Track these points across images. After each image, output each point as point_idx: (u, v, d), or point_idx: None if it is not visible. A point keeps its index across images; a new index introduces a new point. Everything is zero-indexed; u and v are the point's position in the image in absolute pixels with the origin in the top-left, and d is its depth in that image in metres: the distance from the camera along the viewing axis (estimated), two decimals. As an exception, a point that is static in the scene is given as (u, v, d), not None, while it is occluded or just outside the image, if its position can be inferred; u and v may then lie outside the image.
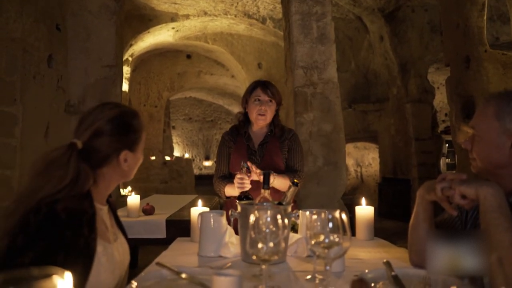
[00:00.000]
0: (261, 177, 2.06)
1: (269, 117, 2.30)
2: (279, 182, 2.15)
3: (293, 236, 1.57)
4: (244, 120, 2.38)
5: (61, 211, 1.10)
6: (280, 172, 2.22)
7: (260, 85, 2.31)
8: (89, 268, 1.13)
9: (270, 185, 2.11)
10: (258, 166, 2.16)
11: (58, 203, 1.11)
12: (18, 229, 1.08)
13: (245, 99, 2.34)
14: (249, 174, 2.06)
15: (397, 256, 1.52)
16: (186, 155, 15.07)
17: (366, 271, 1.22)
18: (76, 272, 1.09)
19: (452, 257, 0.55)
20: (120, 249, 1.31)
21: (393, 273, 1.17)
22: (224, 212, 1.66)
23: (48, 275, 0.45)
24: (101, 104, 1.30)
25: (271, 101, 2.28)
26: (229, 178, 2.29)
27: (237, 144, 2.35)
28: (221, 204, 3.75)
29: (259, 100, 2.28)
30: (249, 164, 2.07)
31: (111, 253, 1.23)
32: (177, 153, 14.35)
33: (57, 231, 1.09)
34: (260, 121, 2.29)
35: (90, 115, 1.26)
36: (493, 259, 0.60)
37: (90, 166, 1.20)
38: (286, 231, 1.07)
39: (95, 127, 1.23)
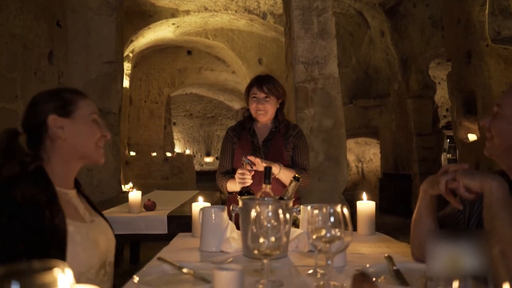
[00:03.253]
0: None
1: (269, 112, 2.29)
2: (285, 175, 2.14)
3: (295, 231, 1.57)
4: (249, 116, 2.37)
5: (16, 195, 1.11)
6: (285, 166, 2.22)
7: (256, 82, 2.29)
8: (63, 248, 1.13)
9: (276, 176, 2.12)
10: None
11: (13, 188, 1.12)
12: None
13: (246, 97, 2.35)
14: (250, 170, 2.06)
15: (398, 250, 1.53)
16: (187, 151, 15.08)
17: (368, 265, 1.22)
18: (50, 255, 1.09)
19: (453, 257, 0.55)
20: (99, 229, 1.30)
21: (394, 268, 1.17)
22: (225, 207, 1.66)
23: (49, 268, 0.45)
24: None
25: (268, 97, 2.26)
26: (231, 174, 2.29)
27: (241, 140, 2.34)
28: (223, 200, 3.76)
29: (255, 97, 2.27)
30: (250, 158, 2.06)
31: (86, 232, 1.23)
32: (178, 149, 14.35)
33: (16, 215, 1.09)
34: (260, 116, 2.29)
35: None
36: (495, 252, 0.59)
37: (31, 143, 1.24)
38: (287, 225, 1.07)
39: (30, 103, 1.28)
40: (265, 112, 2.27)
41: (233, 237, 1.59)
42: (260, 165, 2.04)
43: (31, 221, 1.10)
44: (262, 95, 2.26)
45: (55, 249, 1.12)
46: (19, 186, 1.13)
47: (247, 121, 2.37)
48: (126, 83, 8.03)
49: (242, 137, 2.35)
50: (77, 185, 1.35)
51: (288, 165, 2.27)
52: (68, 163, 1.27)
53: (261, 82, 2.28)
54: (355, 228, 1.80)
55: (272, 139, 2.31)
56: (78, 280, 0.59)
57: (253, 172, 2.06)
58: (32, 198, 1.13)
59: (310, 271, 1.26)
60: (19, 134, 1.23)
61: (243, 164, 2.08)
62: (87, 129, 1.29)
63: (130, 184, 6.61)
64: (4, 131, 1.21)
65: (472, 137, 5.57)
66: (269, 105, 2.27)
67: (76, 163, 1.30)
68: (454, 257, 0.55)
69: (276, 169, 2.11)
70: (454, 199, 1.19)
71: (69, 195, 1.28)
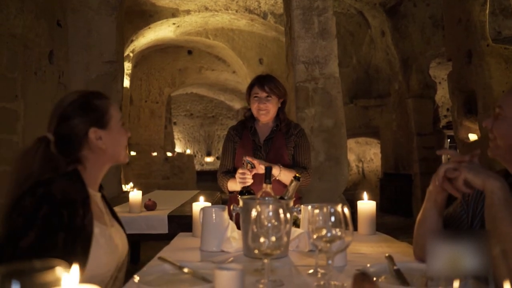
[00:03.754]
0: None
1: (271, 111, 2.29)
2: (285, 176, 2.14)
3: (295, 231, 1.57)
4: (251, 115, 2.38)
5: (56, 191, 1.16)
6: (285, 167, 2.22)
7: (257, 82, 2.31)
8: (88, 249, 1.17)
9: (277, 178, 2.12)
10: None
11: (53, 184, 1.17)
12: (15, 214, 1.13)
13: (248, 96, 2.36)
14: (251, 169, 2.06)
15: (399, 250, 1.52)
16: (188, 151, 15.07)
17: (368, 265, 1.22)
18: (75, 253, 1.14)
19: (454, 257, 0.55)
20: (118, 235, 1.34)
21: (395, 267, 1.17)
22: (226, 207, 1.66)
23: (51, 267, 0.45)
24: (65, 95, 1.38)
25: (269, 96, 2.27)
26: (232, 173, 2.29)
27: (243, 139, 2.35)
28: (223, 200, 3.76)
29: (257, 97, 2.28)
30: (249, 159, 2.07)
31: (109, 235, 1.27)
32: (178, 149, 14.35)
33: (54, 210, 1.13)
34: (262, 116, 2.29)
35: (55, 106, 1.32)
36: (496, 251, 0.59)
37: (69, 152, 1.26)
38: (288, 225, 1.07)
39: (58, 114, 1.29)
40: (266, 112, 2.28)
41: (233, 237, 1.59)
42: (260, 167, 2.04)
43: (66, 218, 1.14)
44: (264, 94, 2.27)
45: (81, 248, 1.16)
46: (59, 183, 1.18)
47: (249, 120, 2.38)
48: (126, 82, 8.03)
49: (243, 136, 2.36)
50: (99, 188, 1.39)
51: (289, 164, 2.27)
52: (101, 167, 1.33)
53: (263, 81, 2.29)
54: (355, 228, 1.81)
55: (273, 138, 2.31)
56: (91, 282, 0.61)
57: (254, 172, 2.06)
58: (69, 197, 1.18)
59: (311, 271, 1.26)
60: (50, 142, 1.26)
61: (243, 164, 2.08)
62: (120, 136, 1.35)
63: (131, 184, 6.61)
64: (38, 140, 1.25)
65: (472, 137, 5.56)
66: (271, 105, 2.28)
67: (107, 166, 1.36)
68: (455, 257, 0.55)
69: (276, 171, 2.11)
70: (451, 187, 1.19)
71: (96, 197, 1.33)
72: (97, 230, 1.22)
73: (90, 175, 1.30)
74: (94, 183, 1.33)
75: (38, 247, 1.09)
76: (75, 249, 1.15)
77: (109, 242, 1.25)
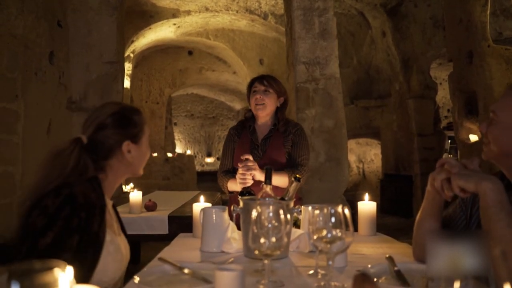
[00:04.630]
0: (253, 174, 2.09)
1: (268, 107, 2.30)
2: (276, 180, 2.13)
3: (296, 232, 1.57)
4: (251, 116, 2.41)
5: (78, 194, 1.19)
6: (281, 166, 2.22)
7: (258, 78, 2.37)
8: (98, 255, 1.20)
9: None
10: (260, 161, 2.16)
11: (76, 188, 1.20)
12: (36, 213, 1.15)
13: (248, 94, 2.38)
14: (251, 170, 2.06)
15: (400, 251, 1.52)
16: (188, 152, 15.07)
17: (369, 266, 1.22)
18: (86, 258, 1.17)
19: (454, 258, 0.55)
20: (123, 244, 1.36)
21: (395, 268, 1.17)
22: (226, 208, 1.66)
23: (50, 268, 0.45)
24: (104, 103, 1.43)
25: (267, 90, 2.29)
26: (232, 173, 2.30)
27: (241, 138, 2.36)
28: (224, 200, 3.76)
29: (255, 91, 2.31)
30: (248, 162, 2.08)
31: (118, 244, 1.29)
32: (179, 149, 14.35)
33: (74, 212, 1.16)
34: (259, 111, 2.30)
35: (94, 113, 1.37)
36: (496, 253, 0.59)
37: (96, 158, 1.30)
38: (288, 226, 1.07)
39: (98, 121, 1.33)
40: (263, 106, 2.29)
41: (234, 238, 1.58)
42: (257, 171, 2.05)
43: (83, 222, 1.17)
44: (262, 87, 2.30)
45: (91, 253, 1.19)
46: (81, 187, 1.22)
47: (249, 120, 2.39)
48: (127, 83, 8.03)
49: (242, 136, 2.38)
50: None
51: (284, 165, 2.26)
52: (120, 178, 1.38)
53: (262, 77, 2.36)
54: (356, 229, 1.81)
55: (271, 137, 2.32)
56: None
57: (253, 174, 2.06)
58: (90, 202, 1.21)
59: (311, 272, 1.26)
60: (83, 144, 1.29)
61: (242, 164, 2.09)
62: (146, 152, 1.42)
63: (131, 185, 6.60)
64: (74, 140, 1.28)
65: (473, 137, 5.56)
66: (268, 99, 2.29)
67: (124, 177, 1.40)
68: (455, 258, 0.54)
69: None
70: (447, 193, 1.19)
71: (110, 205, 1.37)
72: (108, 237, 1.25)
73: (109, 184, 1.34)
74: (110, 192, 1.37)
75: (55, 248, 1.11)
76: (86, 254, 1.17)
77: (117, 251, 1.28)
